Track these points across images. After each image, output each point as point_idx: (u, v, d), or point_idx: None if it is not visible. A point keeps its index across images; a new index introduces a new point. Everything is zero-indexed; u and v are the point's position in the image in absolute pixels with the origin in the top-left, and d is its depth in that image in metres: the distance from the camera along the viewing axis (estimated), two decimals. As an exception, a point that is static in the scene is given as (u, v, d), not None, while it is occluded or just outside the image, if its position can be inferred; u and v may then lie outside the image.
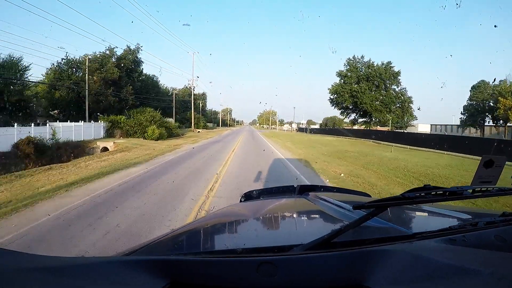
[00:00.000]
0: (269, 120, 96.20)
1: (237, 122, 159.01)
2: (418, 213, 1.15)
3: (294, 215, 1.29)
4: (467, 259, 0.59)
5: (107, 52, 29.67)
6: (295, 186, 1.66)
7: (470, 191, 0.72)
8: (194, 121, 55.52)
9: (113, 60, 29.56)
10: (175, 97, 67.31)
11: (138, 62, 33.69)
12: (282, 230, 1.06)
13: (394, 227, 0.87)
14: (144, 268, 0.59)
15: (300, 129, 59.82)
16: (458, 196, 0.71)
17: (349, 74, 32.75)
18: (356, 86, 32.05)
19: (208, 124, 78.29)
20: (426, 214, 1.14)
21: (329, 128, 52.22)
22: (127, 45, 33.07)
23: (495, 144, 13.74)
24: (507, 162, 0.95)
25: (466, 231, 0.76)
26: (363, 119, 35.73)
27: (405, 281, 0.55)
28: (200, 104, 63.40)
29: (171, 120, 46.46)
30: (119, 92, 28.48)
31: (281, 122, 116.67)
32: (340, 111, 36.38)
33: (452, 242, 0.70)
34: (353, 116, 36.09)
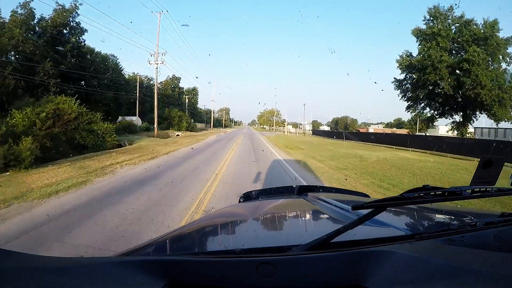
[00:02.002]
0: (271, 120, 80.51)
1: (236, 122, 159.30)
2: (417, 214, 1.17)
3: (293, 216, 1.31)
4: (466, 260, 0.61)
5: (20, 9, 19.80)
6: (294, 186, 1.68)
7: (469, 191, 0.75)
8: (174, 120, 39.48)
9: (34, 23, 20.09)
10: (154, 90, 51.10)
11: (74, 29, 24.18)
12: (281, 230, 1.09)
13: (393, 227, 0.89)
14: (143, 269, 0.61)
15: (316, 132, 44.43)
16: (457, 196, 0.74)
17: (442, 32, 17.18)
18: (447, 55, 16.54)
19: (198, 124, 62.00)
20: (425, 214, 1.17)
21: (359, 132, 37.12)
22: (56, 2, 22.60)
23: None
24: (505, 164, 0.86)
25: (465, 232, 0.79)
26: (440, 117, 20.55)
27: (404, 281, 0.56)
28: (186, 100, 48.56)
29: (133, 120, 30.96)
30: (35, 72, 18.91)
31: (284, 123, 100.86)
32: (408, 103, 20.85)
33: (451, 243, 0.73)
34: (426, 111, 20.65)
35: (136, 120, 33.94)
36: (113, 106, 34.27)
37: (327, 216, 1.12)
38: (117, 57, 35.54)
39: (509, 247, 0.70)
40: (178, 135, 36.54)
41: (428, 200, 0.70)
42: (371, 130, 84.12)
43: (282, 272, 0.59)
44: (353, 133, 42.09)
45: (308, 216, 1.29)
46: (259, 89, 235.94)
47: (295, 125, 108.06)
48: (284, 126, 77.49)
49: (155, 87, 25.34)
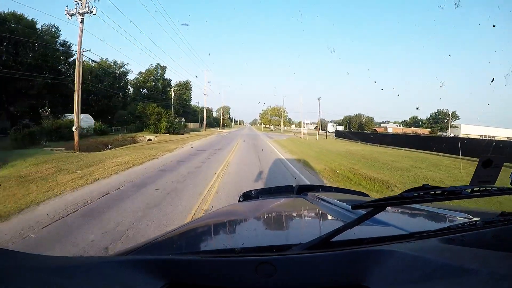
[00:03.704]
0: (273, 119, 68.88)
1: (236, 121, 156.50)
2: (416, 213, 1.19)
3: (293, 215, 1.33)
4: (465, 259, 0.63)
5: None
6: (294, 186, 1.70)
7: (469, 190, 0.78)
8: (150, 119, 28.23)
9: None
10: (127, 80, 40.83)
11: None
12: (280, 229, 1.10)
13: (393, 226, 0.91)
14: (143, 268, 0.63)
15: (340, 134, 32.73)
16: (457, 195, 0.75)
17: None
18: None
19: (190, 124, 50.40)
20: (425, 213, 1.18)
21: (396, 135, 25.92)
22: None
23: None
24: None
25: (465, 231, 0.81)
26: None
27: (404, 281, 0.58)
28: (172, 94, 37.11)
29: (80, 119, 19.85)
30: None
31: (290, 122, 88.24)
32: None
33: (451, 242, 0.75)
34: None
35: (82, 119, 22.63)
36: (51, 97, 23.05)
37: (327, 215, 1.15)
38: (60, 30, 24.07)
39: (509, 247, 0.72)
40: (149, 139, 25.31)
41: (428, 200, 0.72)
42: (389, 130, 72.93)
43: (282, 271, 0.60)
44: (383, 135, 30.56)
45: (308, 215, 1.30)
46: (260, 88, 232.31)
47: (299, 125, 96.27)
48: (288, 125, 65.26)
49: (78, 55, 13.54)
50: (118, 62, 39.37)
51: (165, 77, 51.61)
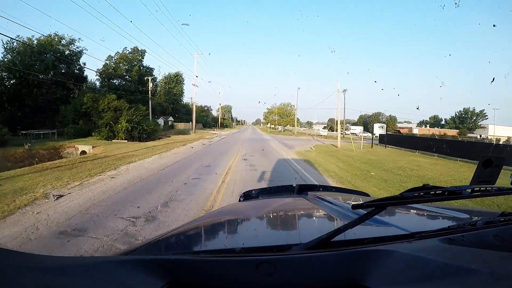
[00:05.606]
0: (278, 118, 58.08)
1: (238, 121, 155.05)
2: (417, 213, 1.20)
3: (293, 215, 1.35)
4: (466, 259, 0.66)
5: None
6: (294, 185, 1.70)
7: (469, 190, 0.80)
8: (104, 118, 16.13)
9: None
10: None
11: None
12: (281, 229, 1.12)
13: (393, 226, 0.93)
14: (143, 268, 0.66)
15: (392, 140, 21.07)
16: (457, 195, 0.78)
17: None
18: None
19: (180, 124, 49.85)
20: (425, 213, 1.20)
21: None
22: None
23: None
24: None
25: (465, 231, 0.84)
26: None
27: (404, 280, 0.60)
28: (150, 84, 26.47)
29: None
30: None
31: (298, 122, 76.76)
32: None
33: (451, 242, 0.77)
34: None
35: None
36: None
37: (328, 215, 1.16)
38: None
39: (509, 247, 0.74)
40: (83, 152, 14.33)
41: (428, 200, 0.74)
42: (415, 131, 62.05)
43: (282, 271, 0.62)
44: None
45: (308, 215, 1.31)
46: (262, 88, 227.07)
47: (303, 125, 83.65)
48: (294, 126, 54.02)
49: None
50: (66, 37, 27.95)
51: (144, 64, 40.89)
